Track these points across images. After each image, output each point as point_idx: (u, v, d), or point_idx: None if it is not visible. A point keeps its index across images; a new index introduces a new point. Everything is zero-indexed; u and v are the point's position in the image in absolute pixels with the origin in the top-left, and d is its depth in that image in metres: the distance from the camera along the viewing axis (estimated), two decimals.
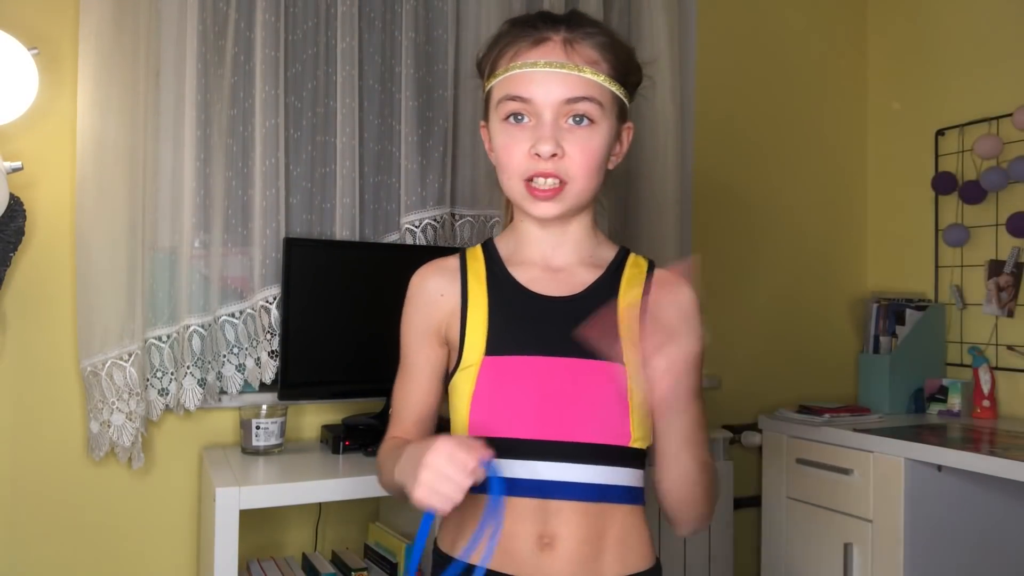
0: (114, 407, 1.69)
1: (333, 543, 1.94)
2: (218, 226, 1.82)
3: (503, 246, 1.09)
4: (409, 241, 1.97)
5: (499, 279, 1.05)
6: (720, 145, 2.52)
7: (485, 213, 2.07)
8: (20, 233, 1.65)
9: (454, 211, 2.06)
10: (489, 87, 1.03)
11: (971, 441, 1.98)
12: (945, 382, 2.38)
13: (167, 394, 1.78)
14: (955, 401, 2.34)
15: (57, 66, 1.72)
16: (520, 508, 0.98)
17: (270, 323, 1.84)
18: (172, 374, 1.78)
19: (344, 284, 1.83)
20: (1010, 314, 2.34)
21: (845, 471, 2.07)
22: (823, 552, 2.14)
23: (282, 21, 1.85)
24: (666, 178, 2.24)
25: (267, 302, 1.84)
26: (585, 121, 0.97)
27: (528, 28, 0.99)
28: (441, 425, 1.08)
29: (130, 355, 1.70)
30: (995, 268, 2.36)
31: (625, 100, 1.02)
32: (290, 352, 1.76)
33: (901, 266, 2.69)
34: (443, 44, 2.03)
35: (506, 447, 0.95)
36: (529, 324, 1.01)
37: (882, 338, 2.48)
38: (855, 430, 2.07)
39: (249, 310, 1.84)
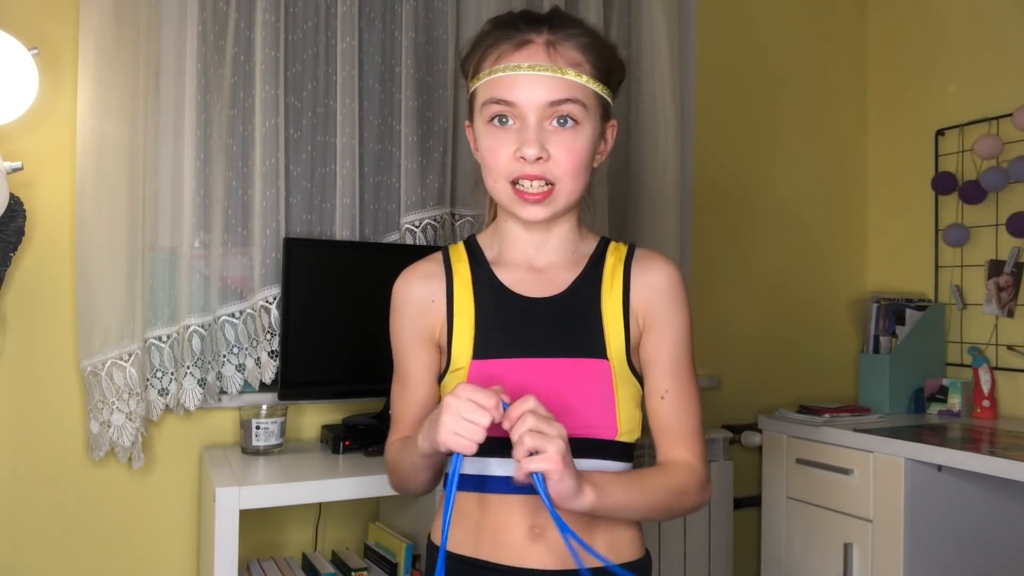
0: (114, 407, 1.69)
1: (333, 543, 1.94)
2: (218, 226, 1.82)
3: (487, 246, 1.10)
4: (409, 241, 1.97)
5: (484, 282, 1.06)
6: (720, 144, 2.52)
7: (485, 213, 2.07)
8: (20, 233, 1.65)
9: (454, 211, 2.06)
10: (473, 88, 1.03)
11: (971, 441, 1.98)
12: (945, 382, 2.38)
13: (167, 394, 1.78)
14: (955, 401, 2.34)
15: (57, 66, 1.72)
16: (512, 501, 1.00)
17: (270, 323, 1.84)
18: (172, 374, 1.78)
19: (344, 284, 1.83)
20: (1010, 314, 2.34)
21: (845, 471, 2.07)
22: (823, 552, 2.14)
23: (282, 21, 1.85)
24: (666, 177, 2.24)
25: (267, 302, 1.84)
26: (569, 122, 0.98)
27: (511, 30, 0.99)
28: None
29: (130, 355, 1.70)
30: (995, 268, 2.36)
31: (608, 99, 1.03)
32: (290, 352, 1.76)
33: (901, 266, 2.69)
34: (443, 44, 2.03)
35: (498, 445, 0.96)
36: (514, 327, 1.03)
37: (882, 338, 2.48)
38: (855, 430, 2.07)
39: (249, 310, 1.84)
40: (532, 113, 0.97)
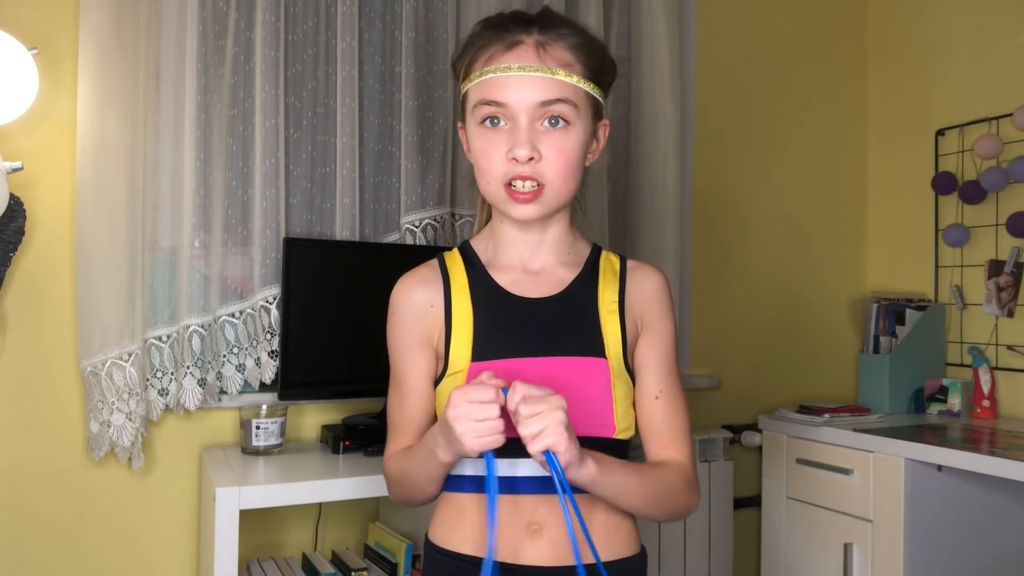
0: (114, 407, 1.69)
1: (333, 543, 1.94)
2: (218, 226, 1.82)
3: (482, 249, 1.10)
4: (409, 241, 1.97)
5: (481, 284, 1.06)
6: (720, 145, 2.52)
7: (477, 216, 2.07)
8: (20, 233, 1.65)
9: (454, 211, 2.06)
10: (465, 90, 1.03)
11: (971, 441, 1.98)
12: (945, 382, 2.38)
13: (167, 394, 1.78)
14: (955, 401, 2.34)
15: (57, 66, 1.72)
16: (509, 500, 1.00)
17: (270, 323, 1.84)
18: (172, 374, 1.78)
19: (344, 284, 1.83)
20: (1010, 314, 2.34)
21: (845, 471, 2.07)
22: (823, 552, 2.14)
23: (282, 21, 1.85)
24: (666, 178, 2.24)
25: (267, 302, 1.84)
26: (560, 123, 0.98)
27: (501, 31, 1.00)
28: None
29: (130, 355, 1.70)
30: (995, 268, 2.36)
31: (600, 98, 1.03)
32: (290, 352, 1.76)
33: (901, 266, 2.69)
34: (443, 44, 2.03)
35: (501, 449, 0.97)
36: (513, 327, 1.03)
37: (882, 338, 2.48)
38: (855, 430, 2.07)
39: (249, 310, 1.84)
40: (523, 114, 0.97)
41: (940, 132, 2.56)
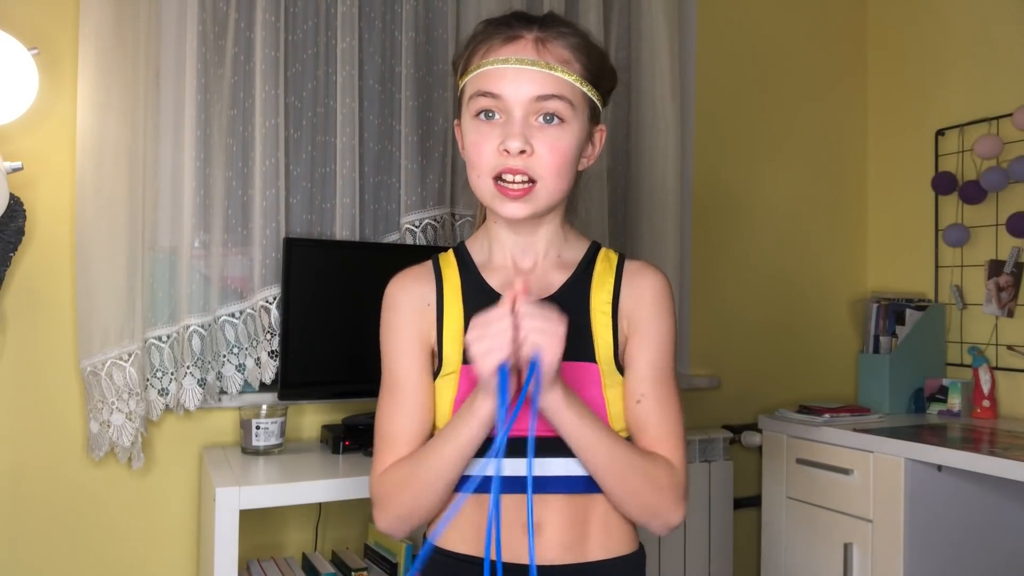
0: (114, 407, 1.69)
1: (333, 543, 1.94)
2: (218, 226, 1.82)
3: (476, 251, 1.10)
4: (409, 241, 1.97)
5: (473, 286, 1.06)
6: (720, 145, 2.52)
7: (476, 215, 2.07)
8: (20, 233, 1.65)
9: (454, 211, 2.06)
10: (462, 85, 1.03)
11: (971, 441, 1.98)
12: (945, 382, 2.38)
13: (167, 394, 1.78)
14: (955, 401, 2.34)
15: (57, 66, 1.72)
16: (507, 500, 1.00)
17: (270, 323, 1.84)
18: (172, 374, 1.78)
19: (344, 284, 1.83)
20: (1010, 314, 2.34)
21: (845, 471, 2.07)
22: (823, 552, 2.14)
23: (282, 21, 1.85)
24: (666, 178, 2.24)
25: (267, 302, 1.84)
26: (555, 120, 0.97)
27: (501, 27, 1.00)
28: None
29: (130, 355, 1.70)
30: (995, 268, 2.36)
31: (598, 102, 1.03)
32: (290, 352, 1.76)
33: (901, 266, 2.68)
34: (443, 44, 2.03)
35: (490, 448, 0.97)
36: None
37: (882, 338, 2.48)
38: (855, 430, 2.07)
39: (249, 310, 1.84)
40: (518, 107, 0.96)
41: (940, 132, 2.56)
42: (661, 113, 2.24)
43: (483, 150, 0.98)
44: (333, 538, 1.95)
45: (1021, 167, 2.26)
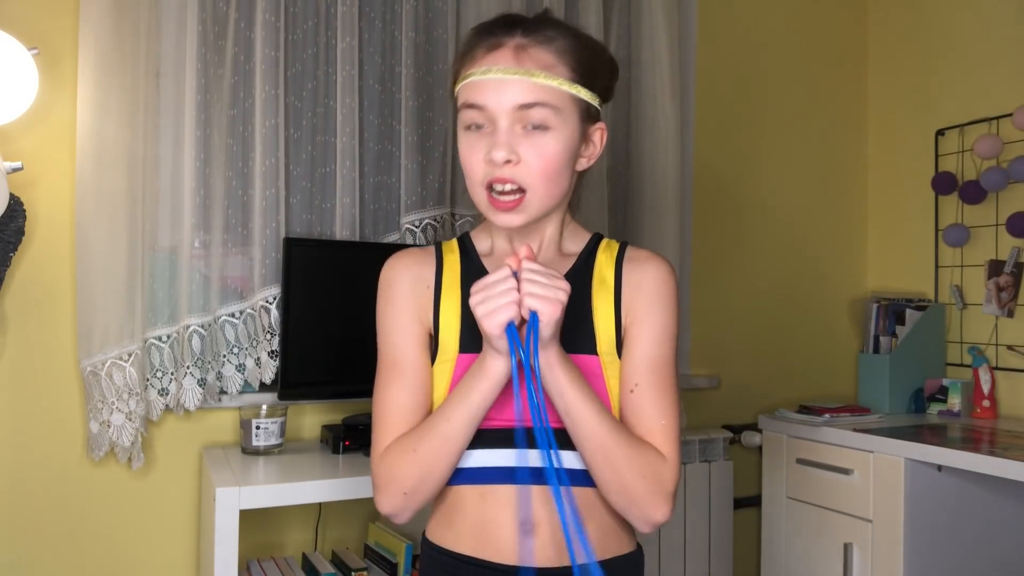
0: (114, 407, 1.69)
1: (333, 543, 1.94)
2: (218, 226, 1.82)
3: (479, 241, 1.10)
4: (409, 241, 1.97)
5: (473, 274, 1.05)
6: (720, 145, 2.52)
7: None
8: (20, 233, 1.65)
9: (454, 211, 2.06)
10: (455, 94, 1.03)
11: (971, 441, 1.98)
12: (945, 382, 2.38)
13: (167, 394, 1.78)
14: (955, 401, 2.34)
15: (57, 66, 1.72)
16: (502, 495, 0.99)
17: (270, 323, 1.84)
18: (172, 374, 1.78)
19: (344, 284, 1.83)
20: (1010, 314, 2.34)
21: (845, 471, 2.07)
22: (823, 552, 2.14)
23: (282, 21, 1.85)
24: (666, 177, 2.24)
25: (267, 302, 1.84)
26: (541, 127, 0.96)
27: (484, 34, 0.99)
28: None
29: (130, 355, 1.70)
30: (995, 268, 2.36)
31: (592, 102, 1.01)
32: (290, 352, 1.76)
33: (901, 266, 2.68)
34: (443, 44, 2.03)
35: (486, 437, 0.98)
36: None
37: (882, 338, 2.48)
38: (855, 430, 2.07)
39: (249, 310, 1.84)
40: (502, 117, 0.96)
41: (940, 132, 2.56)
42: (661, 113, 2.24)
43: (472, 161, 0.98)
44: (333, 538, 1.95)
45: (1021, 167, 2.26)
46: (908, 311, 2.46)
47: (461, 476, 1.01)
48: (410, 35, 1.97)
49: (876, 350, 2.48)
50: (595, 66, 1.01)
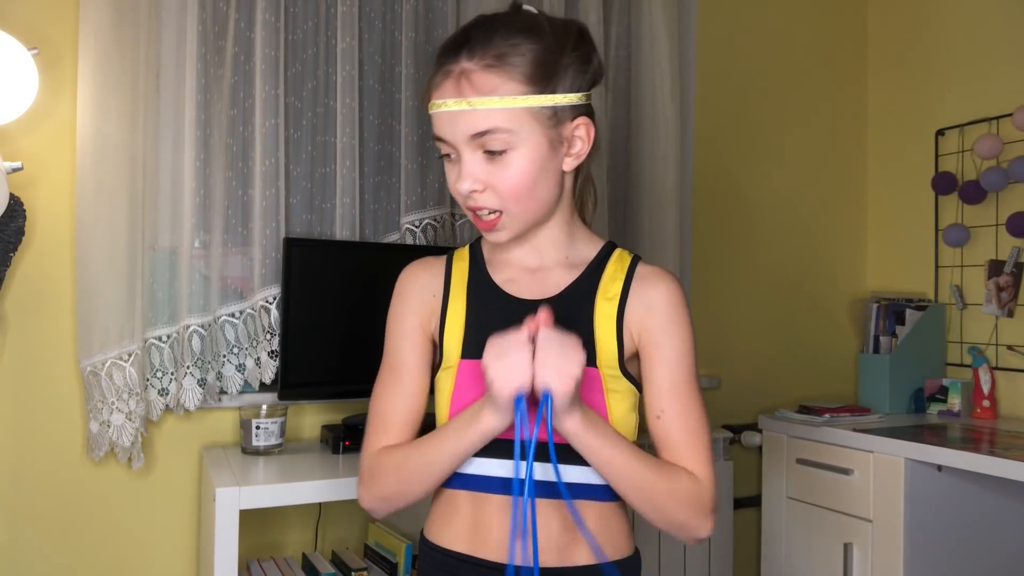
0: (114, 407, 1.69)
1: (333, 543, 1.94)
2: (218, 226, 1.82)
3: (486, 248, 1.10)
4: (409, 241, 1.97)
5: (478, 281, 1.06)
6: (720, 144, 2.52)
7: None
8: (20, 233, 1.65)
9: (454, 211, 2.06)
10: None
11: (971, 441, 1.98)
12: (945, 382, 2.38)
13: (167, 394, 1.78)
14: (955, 401, 2.34)
15: (57, 66, 1.72)
16: (496, 501, 1.00)
17: (270, 323, 1.84)
18: (172, 374, 1.78)
19: (344, 284, 1.83)
20: (1010, 314, 2.34)
21: (845, 471, 2.07)
22: (823, 552, 2.14)
23: (282, 21, 1.85)
24: (666, 177, 2.24)
25: (267, 302, 1.84)
26: (497, 151, 0.95)
27: (439, 60, 0.98)
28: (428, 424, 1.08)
29: (130, 355, 1.70)
30: (995, 268, 2.36)
31: (560, 103, 0.96)
32: (290, 352, 1.76)
33: (901, 266, 2.69)
34: None
35: (491, 446, 0.98)
36: (502, 327, 1.01)
37: (882, 338, 2.48)
38: (855, 430, 2.07)
39: (249, 310, 1.84)
40: (461, 147, 0.96)
41: (940, 132, 2.56)
42: (661, 113, 2.24)
43: (452, 188, 0.99)
44: (333, 538, 1.95)
45: (1021, 167, 2.26)
46: (908, 311, 2.46)
47: (458, 481, 1.02)
48: (410, 35, 1.97)
49: (876, 350, 2.49)
50: (556, 66, 0.96)
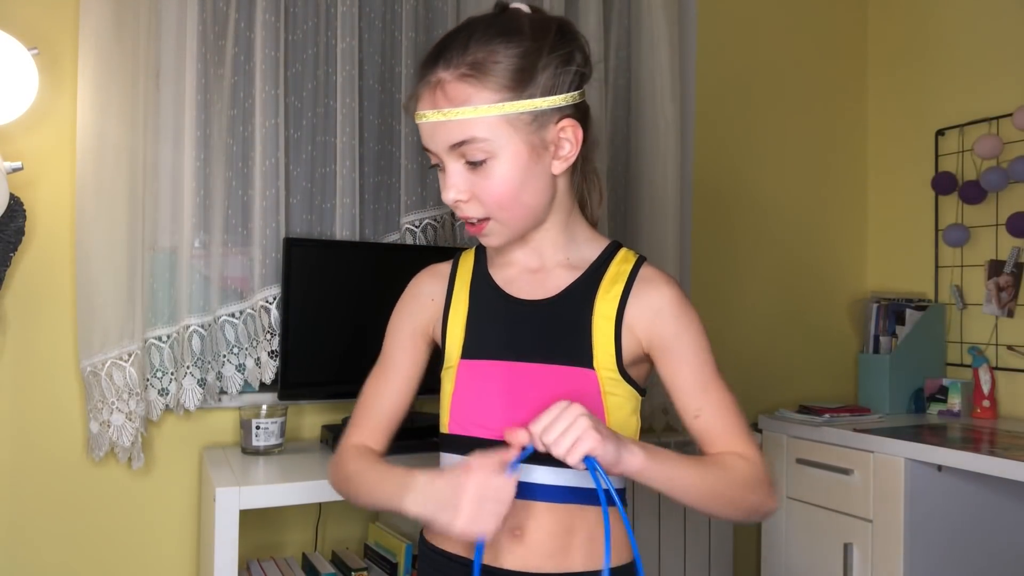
0: (114, 407, 1.69)
1: (333, 543, 1.94)
2: (218, 226, 1.82)
3: (491, 247, 1.10)
4: (409, 241, 1.97)
5: (480, 281, 1.07)
6: (720, 144, 2.52)
7: None
8: (20, 233, 1.65)
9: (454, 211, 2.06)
10: None
11: (971, 441, 1.98)
12: (945, 382, 2.38)
13: (167, 394, 1.78)
14: (955, 401, 2.34)
15: (57, 66, 1.72)
16: None
17: (270, 323, 1.84)
18: (172, 374, 1.78)
19: (344, 284, 1.83)
20: (1010, 314, 2.34)
21: (845, 471, 2.07)
22: (823, 552, 2.14)
23: (282, 21, 1.85)
24: (666, 178, 2.24)
25: (267, 302, 1.84)
26: (477, 161, 0.94)
27: (420, 69, 0.99)
28: (403, 429, 1.11)
29: (130, 355, 1.70)
30: (995, 268, 2.36)
31: (540, 107, 0.93)
32: (290, 352, 1.76)
33: (901, 266, 2.69)
34: None
35: (479, 447, 0.97)
36: (503, 328, 1.02)
37: (882, 338, 2.48)
38: (855, 430, 2.07)
39: (249, 310, 1.84)
40: (444, 157, 0.97)
41: (940, 132, 2.56)
42: (661, 113, 2.24)
43: (442, 197, 1.00)
44: (333, 538, 1.95)
45: (1021, 167, 2.26)
46: (908, 311, 2.46)
47: None
48: (410, 35, 1.98)
49: (876, 350, 2.49)
50: (533, 70, 0.93)
